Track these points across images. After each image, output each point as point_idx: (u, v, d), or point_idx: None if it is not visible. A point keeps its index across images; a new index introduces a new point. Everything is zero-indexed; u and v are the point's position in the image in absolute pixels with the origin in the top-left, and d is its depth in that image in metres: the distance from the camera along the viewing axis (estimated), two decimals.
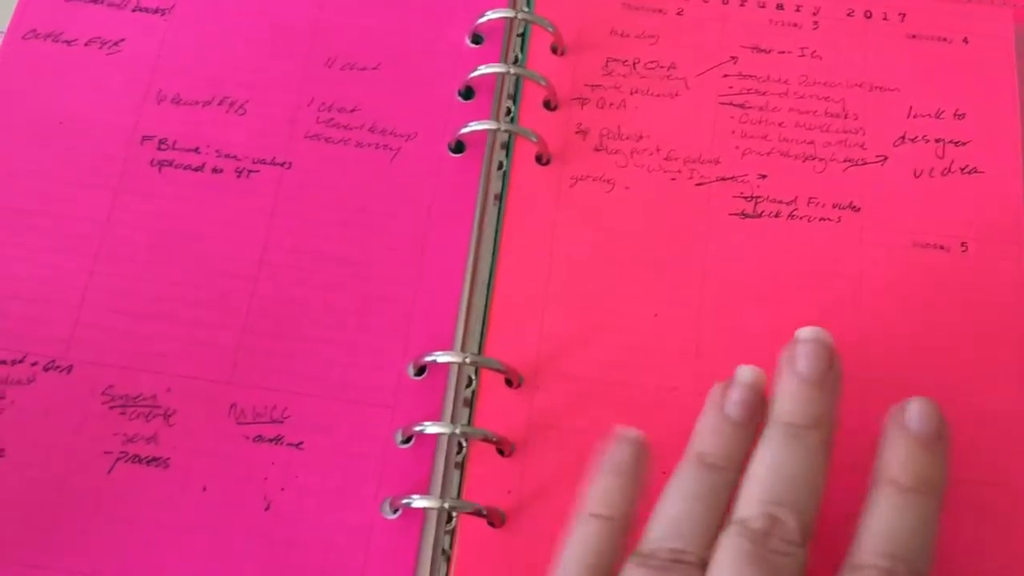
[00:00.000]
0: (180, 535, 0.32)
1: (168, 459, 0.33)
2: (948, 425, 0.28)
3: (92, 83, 0.39)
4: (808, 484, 0.27)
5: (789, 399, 0.28)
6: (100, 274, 0.35)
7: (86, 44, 0.39)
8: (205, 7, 0.40)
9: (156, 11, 0.40)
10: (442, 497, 0.32)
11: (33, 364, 0.34)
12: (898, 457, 0.27)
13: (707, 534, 0.26)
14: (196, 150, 0.38)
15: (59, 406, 0.33)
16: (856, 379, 0.33)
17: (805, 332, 0.29)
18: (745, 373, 0.29)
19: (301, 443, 0.33)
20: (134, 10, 0.40)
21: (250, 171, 0.37)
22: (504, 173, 0.37)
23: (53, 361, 0.34)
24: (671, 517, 0.27)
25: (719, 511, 0.27)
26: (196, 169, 0.37)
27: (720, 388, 0.29)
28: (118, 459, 0.33)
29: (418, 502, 0.32)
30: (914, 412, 0.28)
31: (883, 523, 0.26)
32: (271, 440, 0.33)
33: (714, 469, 0.28)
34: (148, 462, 0.33)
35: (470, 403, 0.34)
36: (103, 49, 0.39)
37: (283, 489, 0.33)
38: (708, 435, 0.29)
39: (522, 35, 0.40)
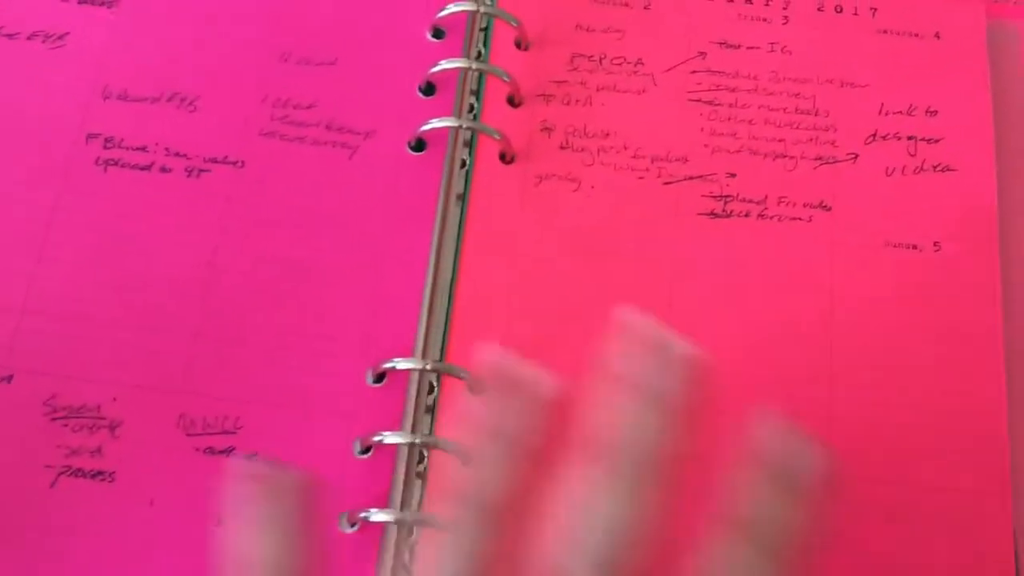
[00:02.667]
0: (128, 552, 0.31)
1: (114, 472, 0.32)
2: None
3: (35, 78, 0.38)
4: None
5: None
6: (41, 279, 0.35)
7: (28, 37, 0.38)
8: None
9: (102, 3, 0.39)
10: (402, 510, 0.32)
11: None
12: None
13: None
14: (144, 149, 0.37)
15: None
16: (827, 380, 0.33)
17: None
18: None
19: (254, 455, 0.33)
20: (80, 2, 0.39)
21: (201, 170, 0.37)
22: (467, 172, 0.37)
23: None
24: None
25: None
26: (144, 168, 0.37)
27: None
28: (61, 473, 0.32)
29: (377, 515, 0.31)
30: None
31: None
32: (223, 452, 0.33)
33: None
34: (93, 476, 0.32)
35: (432, 411, 0.34)
36: (47, 43, 0.38)
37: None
38: None
39: (485, 29, 0.40)
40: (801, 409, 0.33)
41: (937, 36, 0.39)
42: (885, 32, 0.39)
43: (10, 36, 0.38)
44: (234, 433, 0.33)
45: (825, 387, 0.33)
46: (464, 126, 0.37)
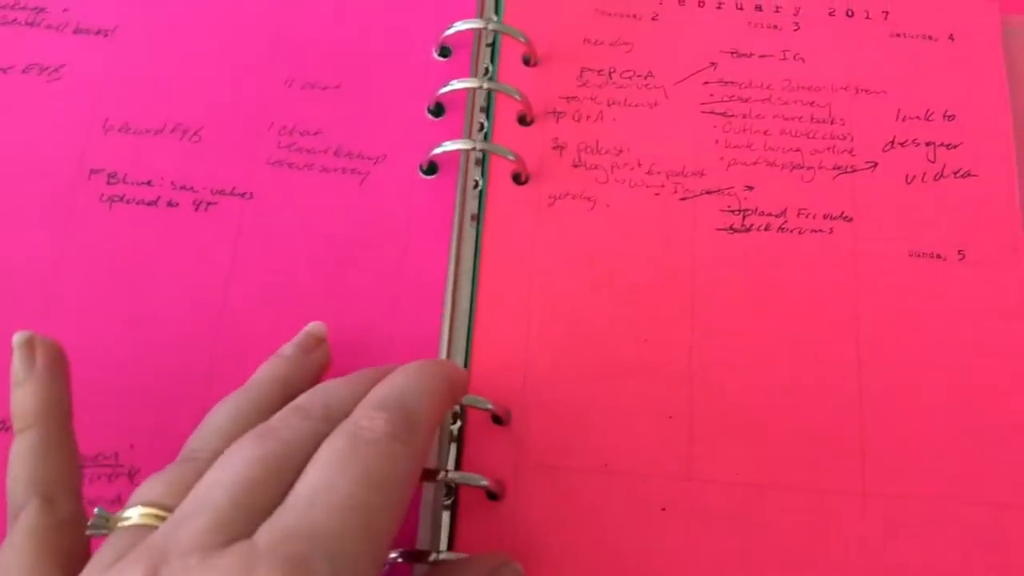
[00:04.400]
0: None
1: None
2: None
3: (32, 113, 0.38)
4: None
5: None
6: (50, 322, 0.35)
7: (23, 71, 0.38)
8: (151, 26, 0.39)
9: (98, 32, 0.39)
10: (432, 550, 0.32)
11: None
12: None
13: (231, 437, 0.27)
14: (149, 183, 0.37)
15: None
16: (855, 393, 0.34)
17: None
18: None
19: None
20: (75, 32, 0.39)
21: (209, 203, 0.37)
22: (480, 193, 0.37)
23: (3, 421, 0.33)
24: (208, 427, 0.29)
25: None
26: (150, 204, 0.37)
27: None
28: None
29: (406, 558, 0.32)
30: None
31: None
32: None
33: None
34: None
35: (456, 440, 0.34)
36: (42, 75, 0.38)
37: None
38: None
39: (491, 45, 0.40)
40: (829, 422, 0.33)
41: (951, 38, 0.39)
42: (899, 35, 0.39)
43: (4, 70, 0.38)
44: None
45: (853, 399, 0.34)
46: (477, 148, 0.37)
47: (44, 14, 0.39)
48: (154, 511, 0.25)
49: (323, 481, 0.24)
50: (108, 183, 0.37)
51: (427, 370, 0.29)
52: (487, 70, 0.39)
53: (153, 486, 0.26)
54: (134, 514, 0.26)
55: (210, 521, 0.23)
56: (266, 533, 0.23)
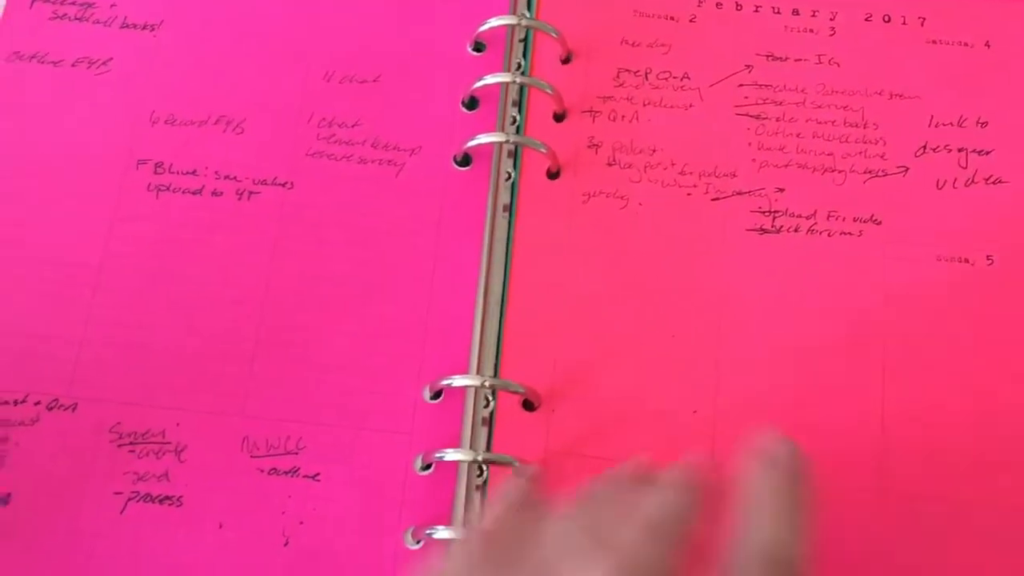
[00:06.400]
0: (198, 574, 0.35)
1: (181, 497, 0.35)
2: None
3: (82, 105, 0.41)
4: None
5: None
6: (100, 307, 0.38)
7: (73, 64, 0.41)
8: (195, 21, 0.42)
9: (144, 27, 0.42)
10: (465, 525, 0.35)
11: (36, 404, 0.36)
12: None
13: None
14: (194, 172, 0.40)
15: (65, 447, 0.36)
16: (879, 394, 0.36)
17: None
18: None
19: (318, 474, 0.36)
20: (122, 27, 0.42)
21: (251, 193, 0.40)
22: (512, 185, 0.40)
23: (56, 400, 0.37)
24: None
25: None
26: (195, 192, 0.40)
27: None
28: (130, 499, 0.35)
29: (441, 532, 0.34)
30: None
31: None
32: (287, 472, 0.36)
33: None
34: (161, 501, 0.35)
35: (488, 424, 0.37)
36: (91, 69, 0.41)
37: (302, 523, 0.35)
38: None
39: (524, 41, 0.42)
40: (853, 422, 0.36)
41: (987, 45, 0.41)
42: (934, 42, 0.41)
43: (55, 63, 0.41)
44: (297, 453, 0.36)
45: (877, 399, 0.36)
46: (510, 141, 0.40)
47: (92, 9, 0.42)
48: None
49: None
50: (155, 173, 0.40)
51: (793, 497, 0.29)
52: (520, 65, 0.42)
53: None
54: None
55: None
56: None
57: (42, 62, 0.41)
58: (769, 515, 0.28)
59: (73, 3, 0.42)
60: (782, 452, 0.29)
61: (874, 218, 0.39)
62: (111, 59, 0.42)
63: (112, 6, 0.42)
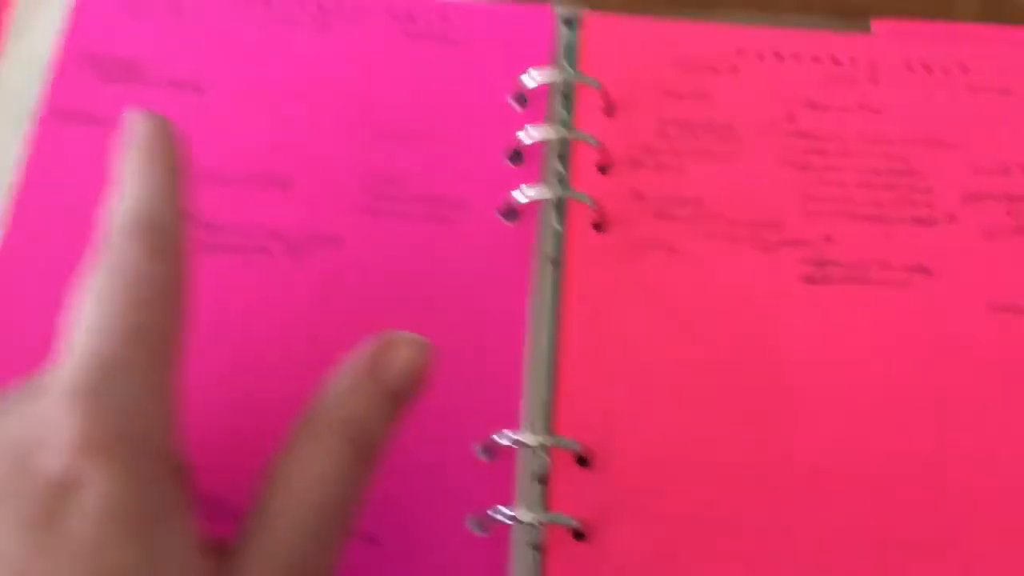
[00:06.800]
0: None
1: None
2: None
3: None
4: None
5: None
6: None
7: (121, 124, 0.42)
8: (241, 80, 0.43)
9: (191, 86, 0.43)
10: None
11: None
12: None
13: None
14: (243, 231, 0.40)
15: None
16: (936, 445, 0.36)
17: None
18: None
19: (374, 537, 0.36)
20: (168, 85, 0.43)
21: (300, 249, 0.40)
22: (558, 238, 0.40)
23: None
24: None
25: None
26: (244, 251, 0.40)
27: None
28: None
29: None
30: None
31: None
32: None
33: None
34: None
35: (542, 482, 0.37)
36: None
37: None
38: None
39: (566, 94, 0.43)
40: (910, 475, 0.36)
41: None
42: (976, 89, 0.42)
43: (102, 122, 0.42)
44: None
45: (933, 449, 0.36)
46: (559, 195, 0.40)
47: (139, 69, 0.43)
48: None
49: (92, 312, 0.27)
50: (206, 232, 0.40)
51: (154, 169, 0.30)
52: (563, 119, 0.42)
53: None
54: None
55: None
56: (48, 379, 0.26)
57: (90, 121, 0.42)
58: (137, 185, 0.30)
59: (120, 62, 0.43)
60: (144, 128, 0.32)
61: (923, 267, 0.39)
62: None
63: (158, 65, 0.43)
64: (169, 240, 0.29)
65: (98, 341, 0.26)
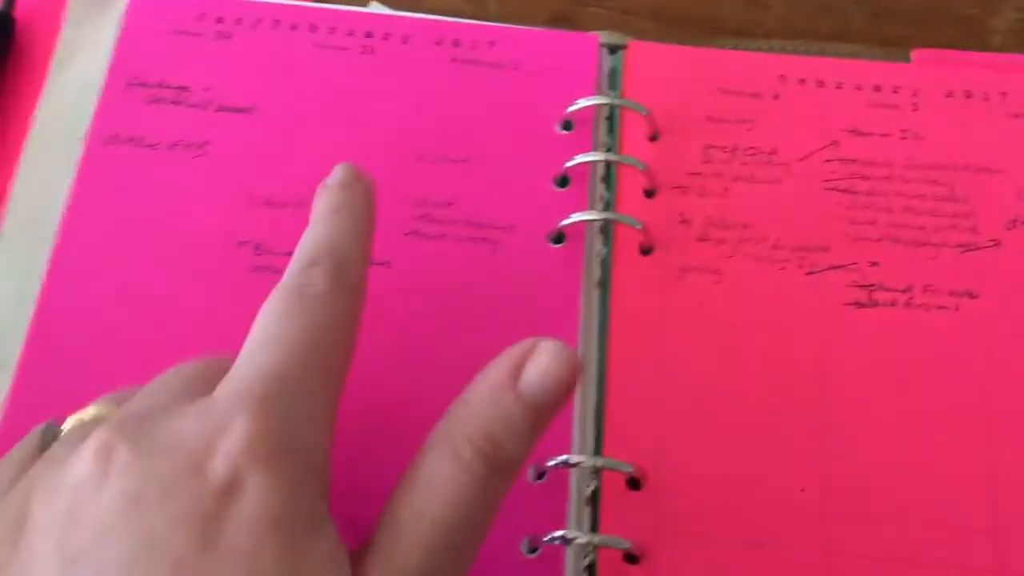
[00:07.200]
0: None
1: None
2: None
3: (180, 188, 0.42)
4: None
5: None
6: None
7: (170, 148, 0.43)
8: (290, 103, 0.44)
9: (240, 110, 0.44)
10: None
11: None
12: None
13: None
14: (292, 254, 0.41)
15: None
16: (986, 469, 0.37)
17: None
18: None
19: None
20: (217, 110, 0.43)
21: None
22: (605, 263, 0.41)
23: None
24: None
25: None
26: None
27: None
28: None
29: None
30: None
31: None
32: None
33: None
34: None
35: (591, 504, 0.37)
36: (188, 151, 0.43)
37: None
38: None
39: (609, 119, 0.44)
40: (960, 501, 0.36)
41: None
42: (1017, 116, 0.42)
43: (151, 147, 0.43)
44: None
45: (985, 475, 0.37)
46: (608, 219, 0.41)
47: (187, 93, 0.44)
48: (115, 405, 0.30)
49: (272, 329, 0.28)
50: (255, 254, 0.41)
51: (346, 210, 0.33)
52: (608, 144, 0.43)
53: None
54: (93, 410, 0.30)
55: (172, 389, 0.28)
56: (223, 387, 0.27)
57: (139, 145, 0.43)
58: (328, 221, 0.33)
59: (168, 87, 0.44)
60: (342, 172, 0.35)
61: (970, 292, 0.40)
62: (207, 142, 0.43)
63: (206, 89, 0.44)
64: (351, 275, 0.31)
65: (275, 356, 0.27)
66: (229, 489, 0.24)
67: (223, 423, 0.25)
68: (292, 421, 0.26)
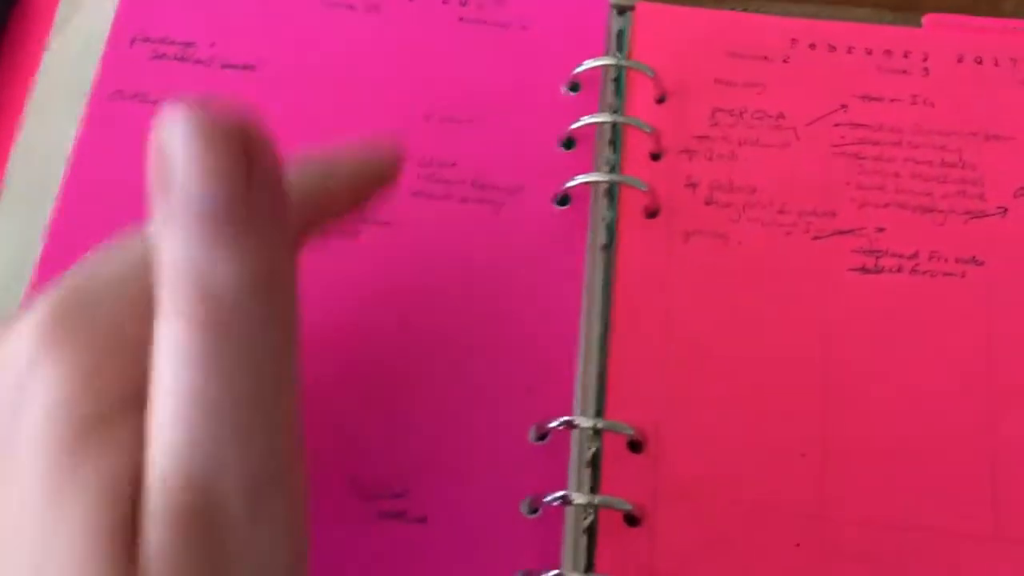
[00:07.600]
0: None
1: None
2: None
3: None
4: None
5: None
6: None
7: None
8: (294, 62, 0.44)
9: (243, 67, 0.43)
10: (575, 570, 0.36)
11: None
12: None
13: None
14: None
15: None
16: (988, 437, 0.37)
17: None
18: None
19: (424, 518, 0.36)
20: (222, 66, 0.43)
21: (352, 232, 0.41)
22: (609, 225, 0.41)
23: None
24: None
25: None
26: None
27: None
28: None
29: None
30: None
31: None
32: (394, 516, 0.37)
33: None
34: None
35: (592, 465, 0.37)
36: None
37: (410, 568, 0.36)
38: None
39: (616, 81, 0.43)
40: (963, 464, 0.36)
41: None
42: None
43: (156, 103, 0.42)
44: (402, 496, 0.37)
45: (987, 440, 0.37)
46: (613, 180, 0.41)
47: (192, 49, 0.44)
48: None
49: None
50: None
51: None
52: (615, 106, 0.43)
53: None
54: None
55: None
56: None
57: (143, 101, 0.43)
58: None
59: (173, 43, 0.44)
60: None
61: (976, 259, 0.39)
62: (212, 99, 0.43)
63: (211, 45, 0.44)
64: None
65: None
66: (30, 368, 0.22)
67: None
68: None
